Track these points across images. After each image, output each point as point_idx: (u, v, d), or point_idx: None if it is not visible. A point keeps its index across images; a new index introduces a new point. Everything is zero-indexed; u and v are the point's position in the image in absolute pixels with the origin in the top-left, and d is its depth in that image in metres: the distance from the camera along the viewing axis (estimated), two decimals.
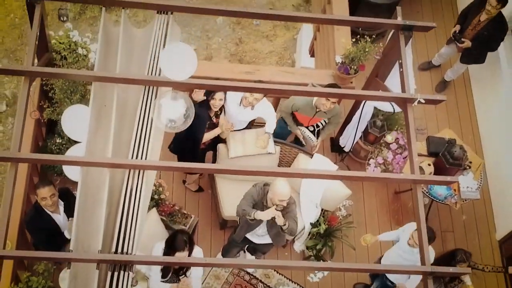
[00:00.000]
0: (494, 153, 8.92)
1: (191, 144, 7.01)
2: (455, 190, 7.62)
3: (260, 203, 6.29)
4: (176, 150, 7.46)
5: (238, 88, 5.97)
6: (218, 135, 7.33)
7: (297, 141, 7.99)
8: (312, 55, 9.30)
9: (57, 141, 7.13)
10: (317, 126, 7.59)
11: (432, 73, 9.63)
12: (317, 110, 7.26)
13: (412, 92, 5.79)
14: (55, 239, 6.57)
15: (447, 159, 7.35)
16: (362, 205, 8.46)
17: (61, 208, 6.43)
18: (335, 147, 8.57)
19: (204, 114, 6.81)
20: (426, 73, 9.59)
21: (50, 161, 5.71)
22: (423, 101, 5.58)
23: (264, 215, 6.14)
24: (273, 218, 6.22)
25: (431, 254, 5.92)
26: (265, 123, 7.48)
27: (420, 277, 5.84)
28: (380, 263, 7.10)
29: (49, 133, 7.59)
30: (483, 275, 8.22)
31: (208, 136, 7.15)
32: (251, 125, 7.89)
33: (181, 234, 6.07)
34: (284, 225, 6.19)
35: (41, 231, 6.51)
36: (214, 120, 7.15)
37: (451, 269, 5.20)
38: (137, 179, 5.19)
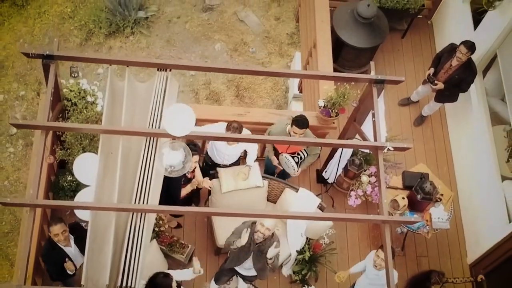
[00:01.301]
0: (466, 183, 9.36)
1: (171, 200, 7.38)
2: (427, 220, 8.18)
3: (249, 239, 6.90)
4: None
5: (221, 138, 6.61)
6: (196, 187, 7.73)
7: (284, 173, 8.57)
8: (301, 91, 9.89)
9: (68, 178, 7.70)
10: (300, 158, 8.14)
11: (411, 108, 10.10)
12: None
13: (383, 141, 6.45)
14: (65, 271, 7.10)
15: (419, 193, 7.95)
16: (344, 232, 8.94)
17: (72, 241, 6.93)
18: (320, 179, 9.11)
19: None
20: (405, 108, 10.06)
21: (65, 206, 6.28)
22: (392, 149, 6.22)
23: (242, 241, 6.78)
24: (258, 255, 6.89)
25: (395, 276, 6.49)
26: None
27: None
28: None
29: (60, 168, 8.21)
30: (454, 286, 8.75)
31: (183, 192, 7.58)
32: (241, 159, 8.50)
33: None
34: (271, 259, 6.82)
35: (56, 264, 7.00)
36: (189, 175, 7.59)
37: None
38: (139, 220, 5.79)
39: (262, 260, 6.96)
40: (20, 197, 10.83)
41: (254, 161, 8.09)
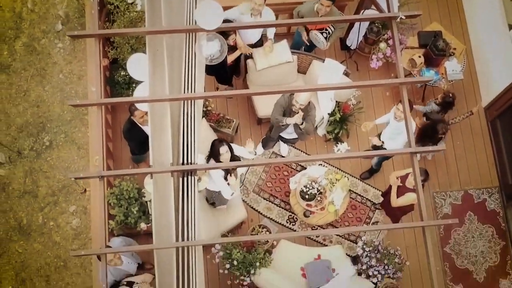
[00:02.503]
0: (478, 35, 9.87)
1: (220, 66, 8.11)
2: (442, 74, 8.89)
3: (288, 109, 7.77)
4: (211, 73, 8.86)
5: (252, 27, 7.21)
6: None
7: (310, 45, 9.25)
8: None
9: (122, 73, 8.52)
10: (328, 33, 8.76)
11: None
12: (320, 15, 8.32)
13: (395, 11, 7.04)
14: (144, 144, 7.98)
15: (433, 51, 8.60)
16: (369, 92, 9.71)
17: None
18: (343, 46, 9.76)
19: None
20: None
21: (128, 102, 7.07)
22: (404, 17, 6.84)
23: (291, 120, 7.70)
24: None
25: (412, 125, 7.30)
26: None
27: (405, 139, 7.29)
28: (380, 138, 8.50)
29: (112, 64, 9.02)
30: (460, 125, 9.56)
31: (231, 58, 8.42)
32: (263, 37, 9.07)
33: (216, 141, 7.54)
34: (302, 124, 7.73)
35: (135, 139, 7.95)
36: (232, 43, 8.33)
37: (430, 148, 6.62)
38: (190, 106, 6.61)
39: (300, 132, 7.91)
40: (76, 85, 11.80)
41: (282, 40, 8.78)
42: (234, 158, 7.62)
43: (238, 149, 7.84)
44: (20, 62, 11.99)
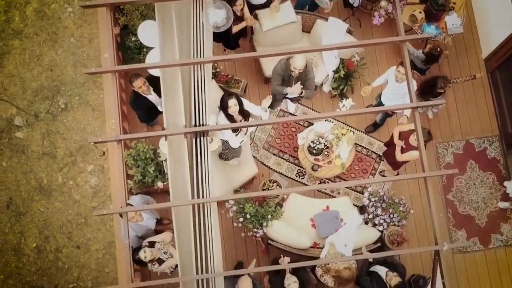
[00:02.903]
0: None
1: (226, 33, 8.18)
2: (442, 28, 9.05)
3: (286, 74, 8.01)
4: (218, 40, 9.03)
5: None
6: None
7: (312, 3, 9.38)
8: None
9: (132, 39, 8.75)
10: None
11: None
12: None
13: None
14: (151, 112, 8.37)
15: (433, 6, 8.76)
16: (372, 48, 9.93)
17: (151, 90, 8.06)
18: (346, 3, 9.86)
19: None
20: None
21: (140, 68, 7.32)
22: None
23: (291, 90, 8.00)
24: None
25: (414, 85, 7.50)
26: None
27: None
28: (380, 99, 8.76)
29: (123, 29, 9.22)
30: (463, 89, 9.74)
31: (236, 28, 8.56)
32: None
33: (225, 95, 7.77)
34: (302, 92, 8.03)
35: (141, 108, 8.26)
36: (239, 13, 8.46)
37: (430, 102, 6.86)
38: (200, 70, 6.82)
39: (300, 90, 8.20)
40: (88, 48, 11.93)
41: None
42: (243, 111, 7.84)
43: (250, 106, 8.04)
44: (32, 27, 12.12)
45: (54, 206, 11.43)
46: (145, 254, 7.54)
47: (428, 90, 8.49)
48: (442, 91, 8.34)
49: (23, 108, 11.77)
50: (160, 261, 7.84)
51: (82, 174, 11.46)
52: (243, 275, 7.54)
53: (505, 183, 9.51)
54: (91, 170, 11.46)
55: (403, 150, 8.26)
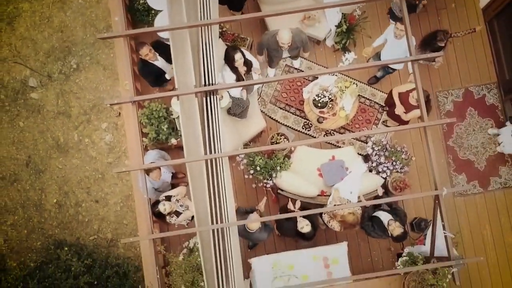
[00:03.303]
0: None
1: None
2: None
3: (274, 49, 8.40)
4: (223, 2, 9.21)
5: None
6: None
7: None
8: None
9: (141, 1, 8.95)
10: None
11: None
12: None
13: None
14: (159, 78, 8.68)
15: None
16: (374, 1, 10.06)
17: (158, 56, 8.35)
18: None
19: None
20: None
21: (150, 32, 7.55)
22: None
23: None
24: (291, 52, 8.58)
25: (413, 40, 7.60)
26: None
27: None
28: (379, 59, 8.97)
29: None
30: (462, 39, 9.91)
31: None
32: None
33: (229, 48, 8.12)
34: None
35: (150, 74, 8.57)
36: None
37: (428, 55, 7.03)
38: (207, 32, 7.07)
39: (295, 53, 8.53)
40: (96, 9, 12.14)
41: None
42: (246, 62, 8.21)
43: (251, 57, 8.47)
44: None
45: (71, 163, 11.82)
46: (164, 207, 7.94)
47: (429, 43, 8.70)
48: (443, 44, 8.54)
49: (36, 70, 12.05)
50: (178, 214, 8.24)
51: (96, 132, 11.81)
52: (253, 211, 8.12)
53: (500, 130, 9.89)
54: (105, 127, 11.81)
55: (405, 108, 8.61)
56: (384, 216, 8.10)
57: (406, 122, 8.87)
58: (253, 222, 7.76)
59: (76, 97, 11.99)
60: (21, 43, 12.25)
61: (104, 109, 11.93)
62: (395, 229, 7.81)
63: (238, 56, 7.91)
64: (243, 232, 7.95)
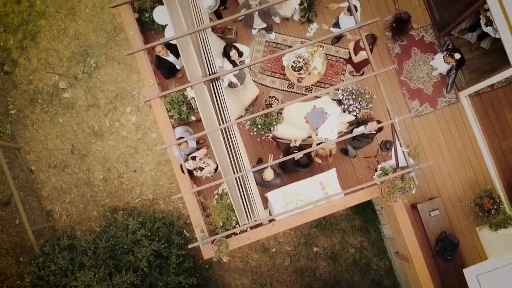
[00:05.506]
0: None
1: None
2: None
3: (247, 7, 9.94)
4: None
5: None
6: None
7: None
8: None
9: (146, 15, 10.49)
10: None
11: None
12: None
13: None
14: (172, 70, 10.37)
15: None
16: None
17: (169, 53, 10.04)
18: None
19: None
20: None
21: (161, 43, 9.09)
22: None
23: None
24: (263, 15, 10.14)
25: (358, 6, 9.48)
26: None
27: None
28: (339, 25, 10.53)
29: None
30: None
31: None
32: None
33: (226, 46, 9.88)
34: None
35: (164, 68, 10.23)
36: None
37: (369, 21, 8.91)
38: (203, 33, 8.51)
39: (268, 18, 10.31)
40: (101, 15, 13.08)
41: None
42: (239, 52, 9.92)
43: (242, 47, 10.06)
44: (52, 6, 13.56)
45: (108, 144, 13.26)
46: (189, 164, 9.60)
47: (402, 29, 10.64)
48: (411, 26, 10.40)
49: (63, 74, 13.34)
50: (201, 169, 9.92)
51: (123, 116, 13.16)
52: (266, 167, 9.47)
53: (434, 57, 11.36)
54: (129, 111, 13.19)
55: (355, 51, 10.24)
56: (360, 128, 9.70)
57: (360, 64, 10.48)
58: (269, 174, 9.26)
59: (101, 90, 13.30)
60: (46, 54, 13.50)
61: (126, 96, 13.17)
62: (372, 123, 9.39)
63: (232, 53, 9.72)
64: (262, 183, 9.49)
